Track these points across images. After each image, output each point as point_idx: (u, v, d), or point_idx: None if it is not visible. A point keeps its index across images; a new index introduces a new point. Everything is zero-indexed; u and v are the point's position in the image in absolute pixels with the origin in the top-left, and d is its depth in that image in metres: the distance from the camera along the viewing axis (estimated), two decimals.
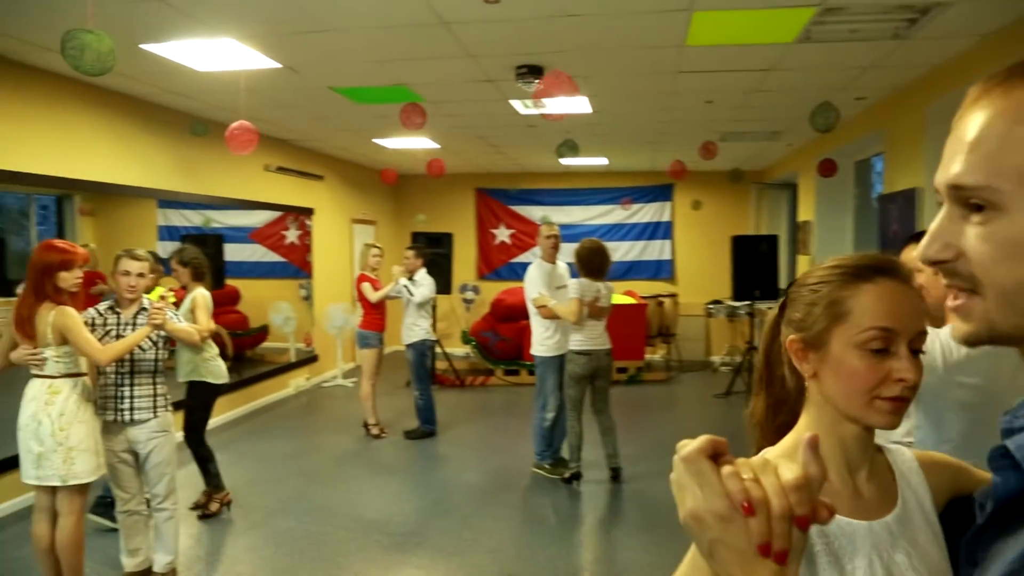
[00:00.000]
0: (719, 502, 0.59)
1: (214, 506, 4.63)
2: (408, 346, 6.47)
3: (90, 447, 3.29)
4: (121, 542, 3.60)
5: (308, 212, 9.00)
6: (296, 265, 9.18)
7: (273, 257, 9.10)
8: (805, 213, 8.44)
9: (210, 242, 7.96)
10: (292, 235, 9.17)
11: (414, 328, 6.45)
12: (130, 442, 3.50)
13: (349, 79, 5.21)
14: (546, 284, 5.48)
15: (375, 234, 10.99)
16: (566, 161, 9.95)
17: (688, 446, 0.62)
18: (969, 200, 0.60)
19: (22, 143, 4.84)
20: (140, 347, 3.48)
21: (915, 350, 0.96)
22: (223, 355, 4.64)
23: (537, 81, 4.76)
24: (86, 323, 3.38)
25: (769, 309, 1.19)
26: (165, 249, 9.36)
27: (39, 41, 4.26)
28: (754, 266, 8.13)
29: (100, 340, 3.37)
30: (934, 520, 1.01)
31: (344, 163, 9.80)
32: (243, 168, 7.53)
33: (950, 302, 0.65)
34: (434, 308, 8.29)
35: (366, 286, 6.55)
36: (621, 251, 10.89)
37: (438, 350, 8.42)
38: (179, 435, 4.13)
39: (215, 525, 4.54)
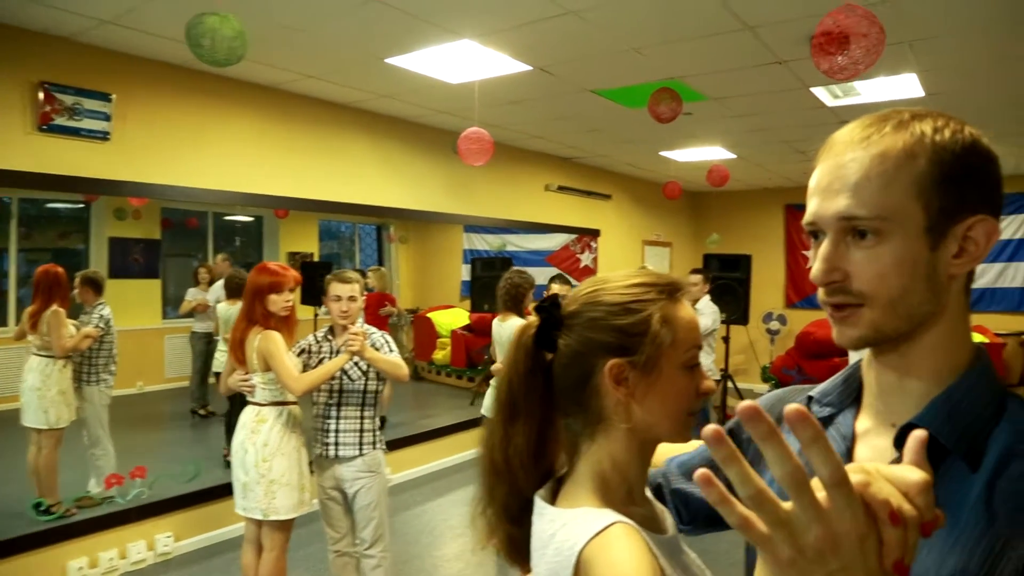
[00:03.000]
0: (861, 516, 0.50)
1: None
2: None
3: (292, 481, 3.08)
4: None
5: (594, 233, 8.56)
6: None
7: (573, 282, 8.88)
8: None
9: (497, 265, 7.88)
10: (586, 258, 8.88)
11: None
12: (337, 479, 3.22)
13: (607, 78, 4.56)
14: None
15: (670, 257, 10.22)
16: None
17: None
18: (857, 228, 0.74)
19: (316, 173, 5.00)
20: (348, 377, 3.19)
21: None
22: None
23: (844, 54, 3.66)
24: (303, 350, 3.22)
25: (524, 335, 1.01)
26: (465, 272, 9.77)
27: (311, 71, 4.30)
28: None
29: (314, 368, 3.16)
30: None
31: (632, 180, 9.18)
32: (521, 188, 7.29)
33: (835, 313, 0.78)
34: (727, 340, 7.29)
35: None
36: None
37: (730, 385, 7.38)
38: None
39: None
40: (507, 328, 4.45)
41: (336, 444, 3.18)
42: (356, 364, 3.19)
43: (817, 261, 0.77)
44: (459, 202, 6.51)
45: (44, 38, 3.83)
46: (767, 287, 9.66)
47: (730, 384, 7.40)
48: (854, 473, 0.51)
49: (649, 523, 0.93)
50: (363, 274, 7.34)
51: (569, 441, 1.00)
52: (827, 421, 0.88)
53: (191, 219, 8.08)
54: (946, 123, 0.75)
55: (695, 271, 5.89)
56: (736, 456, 0.49)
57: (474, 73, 4.37)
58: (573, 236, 8.58)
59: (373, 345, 3.19)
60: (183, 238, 8.29)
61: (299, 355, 3.24)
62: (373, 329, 3.30)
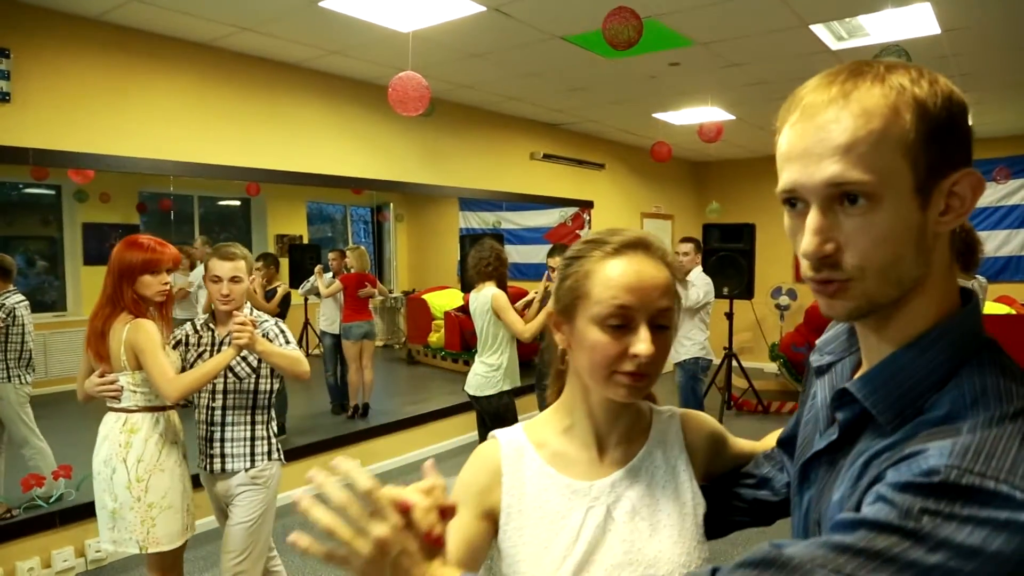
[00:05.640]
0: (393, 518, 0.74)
1: None
2: (677, 365, 5.09)
3: (175, 503, 2.57)
4: None
5: (587, 205, 8.05)
6: None
7: None
8: None
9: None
10: (585, 233, 8.42)
11: (685, 342, 5.05)
12: (221, 495, 2.75)
13: (574, 19, 4.00)
14: None
15: (672, 230, 9.69)
16: None
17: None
18: (848, 194, 0.69)
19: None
20: (235, 375, 2.67)
21: (660, 326, 0.97)
22: None
23: None
24: (179, 342, 2.70)
25: None
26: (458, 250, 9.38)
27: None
28: None
29: (192, 364, 2.66)
30: (683, 470, 1.07)
31: (627, 148, 8.61)
32: (504, 157, 6.78)
33: (822, 288, 0.73)
34: (730, 316, 6.78)
35: None
36: (993, 243, 8.13)
37: (735, 365, 6.87)
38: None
39: None
40: (481, 297, 4.24)
41: (222, 456, 2.68)
42: (244, 360, 2.68)
43: (808, 234, 0.72)
44: (434, 172, 6.01)
45: None
46: (775, 261, 9.09)
47: (735, 363, 6.89)
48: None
49: (563, 461, 1.05)
50: (342, 254, 6.93)
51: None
52: (826, 368, 0.90)
53: (164, 201, 7.68)
54: (920, 74, 0.72)
55: (685, 239, 5.36)
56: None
57: (419, 18, 3.87)
58: (571, 212, 8.10)
59: (265, 335, 2.69)
60: (166, 223, 7.90)
61: (174, 348, 2.73)
62: (265, 316, 2.81)
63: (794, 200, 0.74)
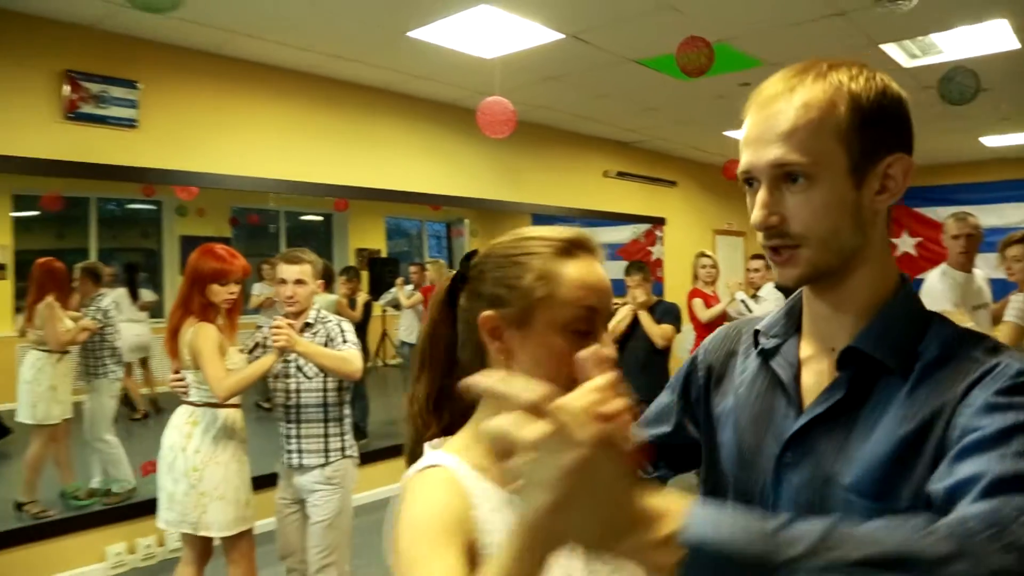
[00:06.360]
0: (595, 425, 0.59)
1: None
2: None
3: (227, 495, 2.73)
4: None
5: (659, 222, 8.18)
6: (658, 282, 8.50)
7: None
8: None
9: None
10: (657, 250, 8.53)
11: None
12: (296, 489, 2.90)
13: (647, 44, 4.21)
14: (956, 299, 3.77)
15: (744, 247, 9.70)
16: (991, 142, 7.52)
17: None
18: (789, 174, 0.81)
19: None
20: (304, 375, 2.84)
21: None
22: None
23: None
24: (256, 344, 2.90)
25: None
26: None
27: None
28: None
29: None
30: None
31: (699, 166, 8.71)
32: (577, 175, 7.01)
33: (775, 257, 0.85)
34: None
35: (697, 302, 5.45)
36: None
37: None
38: None
39: None
40: None
41: (299, 452, 2.84)
42: (285, 362, 2.83)
43: (756, 208, 0.84)
44: (511, 189, 6.27)
45: (68, 27, 3.82)
46: None
47: None
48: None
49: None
50: (423, 267, 7.25)
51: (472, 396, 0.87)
52: (774, 351, 0.96)
53: (251, 216, 8.17)
54: (860, 71, 0.83)
55: (756, 256, 5.47)
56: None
57: (503, 45, 4.13)
58: (643, 229, 8.24)
59: (327, 336, 2.83)
60: (255, 236, 8.40)
61: (252, 350, 2.91)
62: (329, 316, 2.94)
63: (751, 180, 0.86)
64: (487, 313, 0.89)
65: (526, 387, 0.58)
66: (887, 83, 0.83)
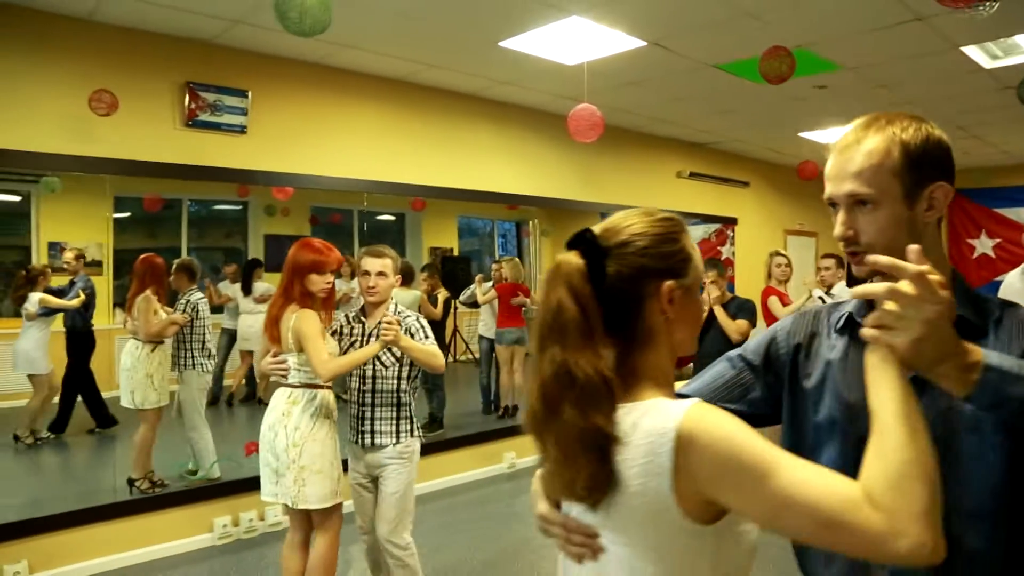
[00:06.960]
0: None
1: None
2: None
3: (324, 469, 2.92)
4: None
5: (731, 222, 8.24)
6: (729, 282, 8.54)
7: None
8: None
9: None
10: (727, 250, 8.58)
11: None
12: (369, 466, 3.10)
13: (727, 50, 4.35)
14: None
15: (815, 247, 9.64)
16: None
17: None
18: (859, 200, 1.11)
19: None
20: (382, 363, 3.05)
21: None
22: None
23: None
24: (334, 331, 3.13)
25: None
26: None
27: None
28: None
29: (345, 351, 3.08)
30: None
31: (772, 166, 8.73)
32: (651, 175, 7.15)
33: (853, 259, 1.14)
34: None
35: (773, 300, 5.53)
36: None
37: None
38: None
39: None
40: None
41: (372, 432, 3.06)
42: (390, 350, 3.04)
43: (837, 225, 1.14)
44: (589, 189, 6.47)
45: (189, 42, 4.20)
46: None
47: None
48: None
49: None
50: (500, 264, 7.46)
51: (616, 359, 1.05)
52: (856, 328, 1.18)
53: (334, 215, 8.55)
54: (910, 123, 1.11)
55: (827, 255, 5.51)
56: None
57: (588, 52, 4.33)
58: (713, 229, 8.31)
59: (407, 330, 3.04)
60: (331, 235, 8.78)
61: (332, 335, 3.11)
62: (408, 312, 3.16)
63: (833, 204, 1.15)
64: (671, 283, 1.04)
65: (910, 264, 0.90)
66: (930, 131, 1.12)
